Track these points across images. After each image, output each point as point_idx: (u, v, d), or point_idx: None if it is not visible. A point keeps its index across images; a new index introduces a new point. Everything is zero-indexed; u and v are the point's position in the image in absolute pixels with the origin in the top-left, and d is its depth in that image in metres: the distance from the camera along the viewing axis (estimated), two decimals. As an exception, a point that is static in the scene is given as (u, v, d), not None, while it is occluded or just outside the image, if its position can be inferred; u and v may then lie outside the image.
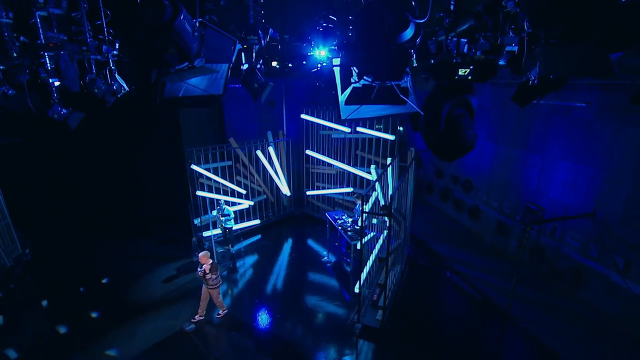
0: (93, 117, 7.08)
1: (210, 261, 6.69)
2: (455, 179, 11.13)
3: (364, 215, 5.60)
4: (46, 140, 9.77)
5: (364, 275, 6.41)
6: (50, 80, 5.13)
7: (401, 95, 3.17)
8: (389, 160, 7.95)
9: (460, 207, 10.97)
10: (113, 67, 5.99)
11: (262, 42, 4.75)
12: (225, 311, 7.25)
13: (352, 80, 3.30)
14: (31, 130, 9.37)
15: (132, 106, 9.16)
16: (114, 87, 6.07)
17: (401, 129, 9.64)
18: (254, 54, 5.12)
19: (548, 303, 7.32)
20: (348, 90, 3.49)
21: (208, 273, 6.59)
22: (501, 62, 3.67)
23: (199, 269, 6.64)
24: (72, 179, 10.45)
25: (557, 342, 6.29)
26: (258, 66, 5.26)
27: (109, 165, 10.74)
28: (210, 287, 6.78)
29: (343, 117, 4.57)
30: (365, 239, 6.33)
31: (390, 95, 3.21)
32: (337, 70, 4.45)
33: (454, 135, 2.98)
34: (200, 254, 6.69)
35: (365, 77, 3.13)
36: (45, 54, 4.79)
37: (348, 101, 3.56)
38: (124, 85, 6.19)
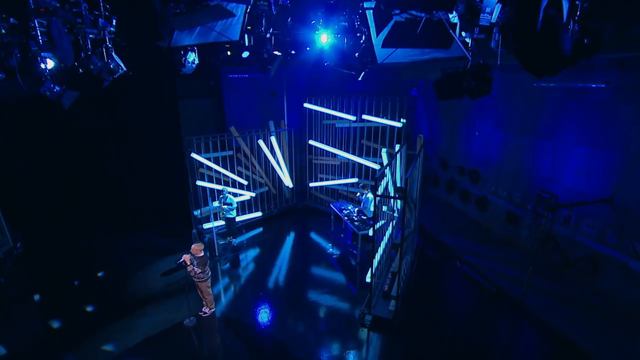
0: (89, 103, 6.70)
1: (202, 254, 6.22)
2: (461, 170, 10.89)
3: (377, 199, 5.31)
4: (38, 129, 9.38)
5: (375, 263, 6.11)
6: (43, 54, 4.77)
7: (450, 31, 2.82)
8: (397, 147, 7.67)
9: (467, 199, 10.73)
10: (110, 45, 5.64)
11: (273, 8, 4.42)
12: (213, 310, 6.72)
13: (393, 13, 2.94)
14: (22, 118, 9.01)
15: (129, 96, 8.83)
16: (111, 66, 5.71)
17: (404, 120, 9.36)
18: (263, 22, 4.79)
19: (562, 292, 7.10)
20: (386, 29, 3.15)
21: (189, 265, 6.04)
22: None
23: (178, 260, 6.09)
24: (67, 169, 10.06)
25: (572, 331, 6.07)
26: (268, 36, 4.91)
27: (105, 156, 10.37)
28: (196, 279, 6.31)
29: (379, 62, 4.20)
30: (378, 225, 6.03)
31: (435, 35, 2.87)
32: (369, 13, 4.06)
33: (551, 38, 2.55)
34: (193, 245, 6.22)
35: (409, 11, 2.79)
36: (37, 24, 4.43)
37: (385, 43, 3.21)
38: (122, 64, 5.83)
